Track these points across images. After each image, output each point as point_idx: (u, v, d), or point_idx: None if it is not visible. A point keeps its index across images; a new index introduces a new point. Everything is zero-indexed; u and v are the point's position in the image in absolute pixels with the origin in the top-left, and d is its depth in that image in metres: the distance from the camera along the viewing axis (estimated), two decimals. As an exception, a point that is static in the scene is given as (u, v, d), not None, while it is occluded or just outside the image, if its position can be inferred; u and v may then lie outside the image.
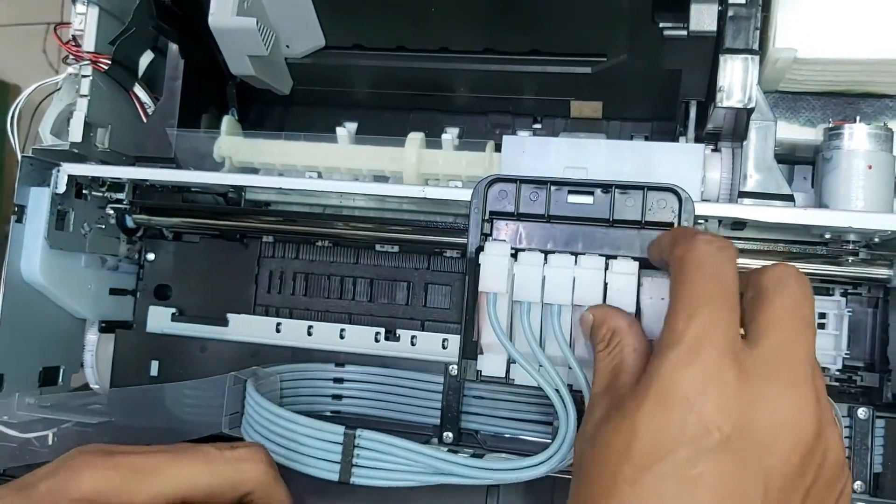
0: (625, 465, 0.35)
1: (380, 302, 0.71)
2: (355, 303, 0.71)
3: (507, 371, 0.57)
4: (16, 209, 0.61)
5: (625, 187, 0.55)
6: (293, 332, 0.70)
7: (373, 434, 0.53)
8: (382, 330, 0.69)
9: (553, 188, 0.56)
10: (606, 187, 0.55)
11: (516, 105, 0.69)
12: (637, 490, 0.34)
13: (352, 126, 0.70)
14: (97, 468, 0.40)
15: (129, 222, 0.71)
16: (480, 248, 0.56)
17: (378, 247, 0.71)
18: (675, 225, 0.54)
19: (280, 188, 0.61)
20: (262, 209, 0.71)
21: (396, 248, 0.70)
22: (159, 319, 0.73)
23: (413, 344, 0.69)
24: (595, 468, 0.38)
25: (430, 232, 0.66)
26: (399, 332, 0.69)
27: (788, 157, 0.66)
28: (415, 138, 0.65)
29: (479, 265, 0.55)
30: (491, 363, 0.57)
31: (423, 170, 0.65)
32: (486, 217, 0.57)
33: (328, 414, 0.66)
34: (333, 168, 0.67)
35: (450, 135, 0.67)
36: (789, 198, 0.57)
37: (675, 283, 0.40)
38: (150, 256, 0.74)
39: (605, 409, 0.41)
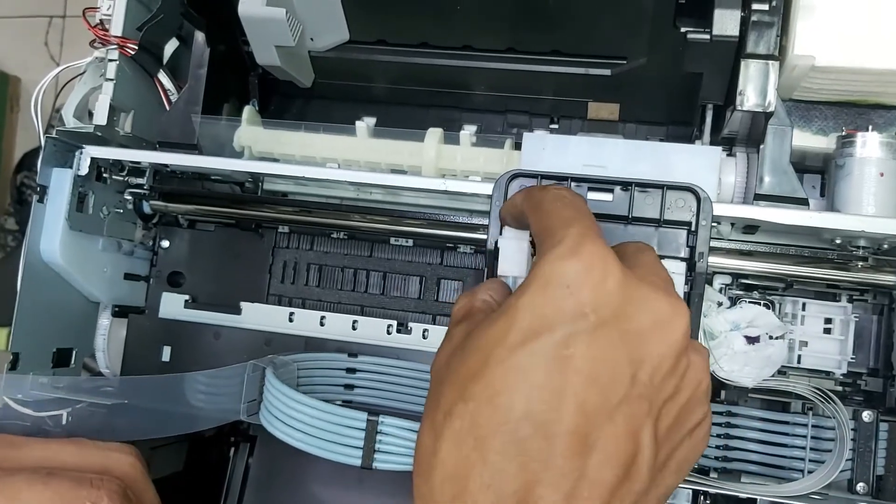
0: (497, 348, 0.34)
1: (392, 295, 0.72)
2: (368, 295, 0.72)
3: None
4: (38, 189, 0.61)
5: (644, 185, 0.56)
6: (306, 322, 0.70)
7: (395, 420, 0.54)
8: (395, 322, 0.70)
9: (573, 184, 0.57)
10: (626, 185, 0.56)
11: (534, 105, 0.71)
12: (505, 368, 0.34)
13: (370, 121, 0.70)
14: None
15: (147, 208, 0.71)
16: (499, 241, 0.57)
17: (392, 240, 0.71)
18: (694, 225, 0.55)
19: (299, 178, 0.62)
20: (279, 198, 0.71)
21: (410, 243, 0.71)
22: (172, 305, 0.73)
23: (425, 337, 0.69)
24: (465, 359, 0.36)
25: (444, 226, 0.67)
26: (411, 325, 0.70)
27: (798, 166, 0.67)
28: (434, 133, 0.66)
29: (498, 247, 0.56)
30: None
31: (441, 165, 0.66)
32: (507, 212, 0.58)
33: (339, 403, 0.66)
34: (352, 161, 0.68)
35: (467, 132, 0.68)
36: (803, 201, 0.58)
37: (542, 216, 0.41)
38: (165, 244, 0.74)
39: (465, 329, 0.40)
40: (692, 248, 0.55)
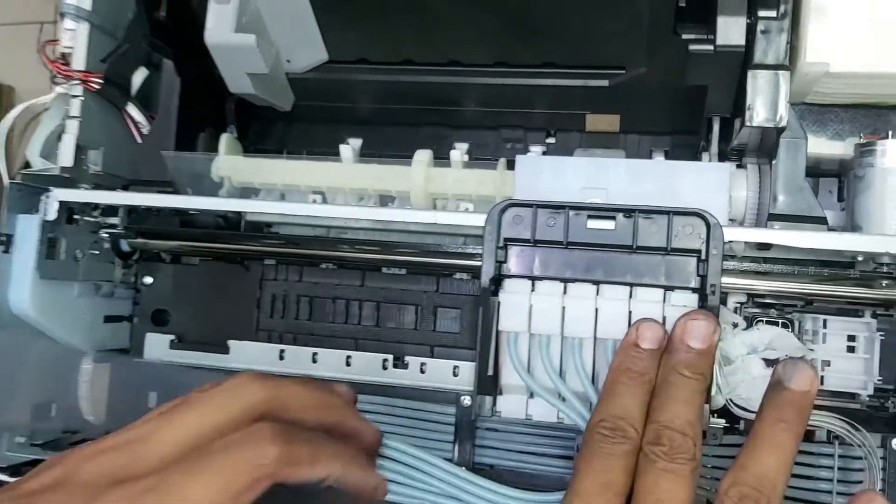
0: None
1: (387, 326, 0.68)
2: (362, 327, 0.68)
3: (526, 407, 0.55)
4: (2, 238, 0.58)
5: (649, 212, 0.52)
6: (297, 360, 0.67)
7: (400, 445, 0.49)
8: (391, 357, 0.66)
9: (572, 213, 0.53)
10: (629, 212, 0.52)
11: (529, 119, 0.66)
12: None
13: (356, 142, 0.66)
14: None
15: (125, 246, 0.67)
16: (495, 279, 0.53)
17: (385, 268, 0.67)
18: (704, 253, 0.51)
19: (274, 213, 0.58)
20: (262, 234, 0.68)
21: (404, 270, 0.67)
22: (157, 347, 0.69)
23: (422, 371, 0.65)
24: None
25: (438, 255, 0.63)
26: (408, 358, 0.66)
27: (813, 170, 0.63)
28: (421, 158, 0.62)
29: (499, 302, 0.53)
30: (511, 404, 0.55)
31: (431, 189, 0.62)
32: (501, 244, 0.54)
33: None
34: (337, 188, 0.64)
35: (458, 151, 0.64)
36: (821, 220, 0.54)
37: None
38: (148, 280, 0.71)
39: None
40: (703, 278, 0.51)
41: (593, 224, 0.53)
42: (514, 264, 0.54)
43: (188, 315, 0.70)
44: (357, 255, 0.65)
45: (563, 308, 0.52)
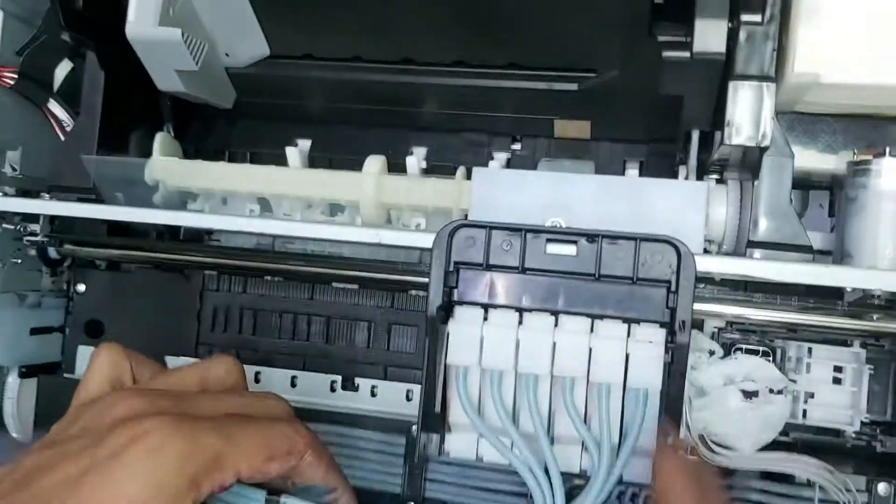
0: None
1: (337, 344, 0.63)
2: (310, 344, 0.63)
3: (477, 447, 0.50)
4: None
5: (614, 237, 0.46)
6: (239, 379, 0.62)
7: (297, 501, 0.44)
8: (339, 378, 0.61)
9: (529, 236, 0.48)
10: (592, 237, 0.47)
11: (493, 123, 0.60)
12: None
13: (305, 144, 0.61)
14: None
15: (53, 253, 0.62)
16: (443, 308, 0.48)
17: (335, 282, 0.62)
18: (674, 284, 0.46)
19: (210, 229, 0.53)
20: (201, 244, 0.62)
21: (356, 284, 0.62)
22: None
23: (374, 395, 0.61)
24: None
25: (392, 271, 0.58)
26: (358, 380, 0.61)
27: (803, 183, 0.57)
28: (373, 165, 0.57)
29: (448, 332, 0.47)
30: (461, 443, 0.50)
31: (383, 199, 0.57)
32: (451, 268, 0.48)
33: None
34: (282, 195, 0.58)
35: (415, 158, 0.59)
36: (806, 249, 0.48)
37: None
38: (81, 288, 0.65)
39: None
40: (672, 311, 0.46)
41: (553, 249, 0.48)
42: (464, 290, 0.49)
43: (124, 326, 0.65)
44: (305, 268, 0.60)
45: (518, 341, 0.47)
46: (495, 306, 0.48)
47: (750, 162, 0.49)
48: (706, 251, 0.53)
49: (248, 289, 0.64)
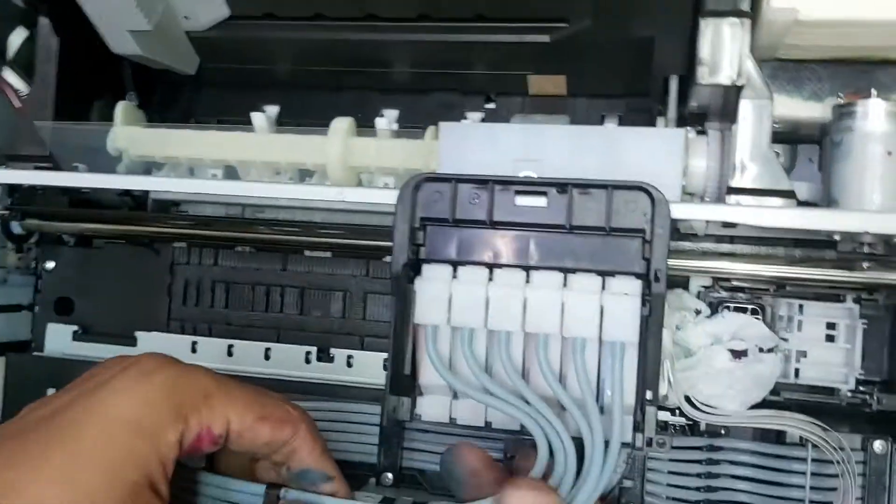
0: None
1: (312, 314, 0.61)
2: (284, 316, 0.61)
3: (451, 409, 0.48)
4: None
5: (585, 186, 0.44)
6: (211, 353, 0.60)
7: (300, 494, 0.42)
8: (314, 349, 0.59)
9: (497, 188, 0.45)
10: (562, 186, 0.45)
11: (465, 82, 0.58)
12: None
13: (272, 110, 0.59)
14: None
15: (17, 228, 0.60)
16: (409, 265, 0.46)
17: (308, 251, 0.60)
18: (648, 233, 0.43)
19: (179, 192, 0.51)
20: (170, 214, 0.60)
21: (329, 253, 0.60)
22: (59, 339, 0.63)
23: (350, 365, 0.59)
24: None
25: (365, 236, 0.56)
26: (333, 351, 0.59)
27: (791, 136, 0.55)
28: (340, 126, 0.55)
29: (415, 291, 0.45)
30: (433, 406, 0.48)
31: (351, 162, 0.55)
32: (418, 225, 0.46)
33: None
34: (248, 161, 0.56)
35: (386, 119, 0.56)
36: (789, 194, 0.46)
37: None
38: (50, 265, 0.64)
39: None
40: (648, 262, 0.44)
41: (522, 201, 0.46)
42: (432, 247, 0.47)
43: (94, 303, 0.64)
44: (276, 236, 0.58)
45: (488, 298, 0.45)
46: (464, 263, 0.46)
47: (728, 106, 0.46)
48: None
49: (219, 261, 0.62)
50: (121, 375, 0.33)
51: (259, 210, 0.60)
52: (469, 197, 0.46)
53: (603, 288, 0.44)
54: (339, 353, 0.59)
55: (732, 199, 0.47)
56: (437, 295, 0.45)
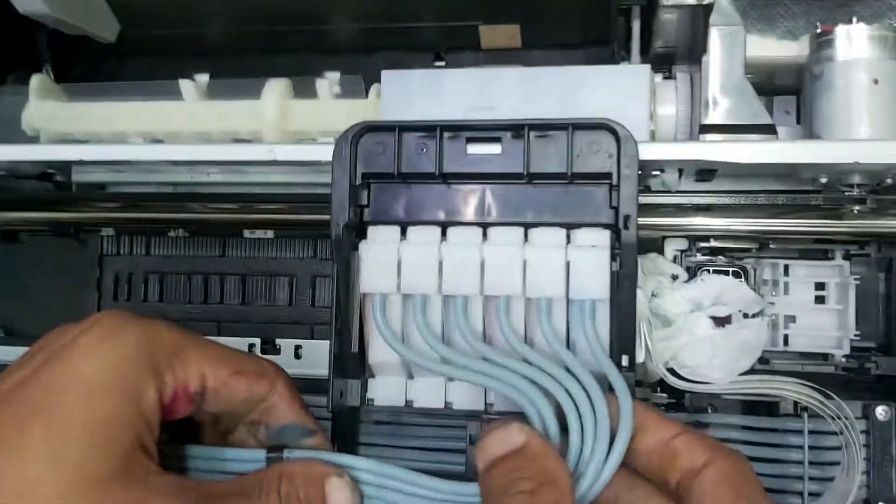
0: None
1: (256, 304, 0.56)
2: (225, 306, 0.56)
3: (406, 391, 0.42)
4: None
5: (542, 127, 0.39)
6: (146, 350, 0.54)
7: (306, 453, 0.36)
8: (258, 341, 0.54)
9: (446, 135, 0.40)
10: (517, 129, 0.40)
11: (411, 37, 0.53)
12: None
13: (203, 78, 0.54)
14: None
15: (-74, 221, 0.54)
16: (351, 227, 0.41)
17: (247, 233, 0.55)
18: (614, 176, 0.39)
19: (78, 160, 0.45)
20: (94, 193, 0.55)
21: (271, 234, 0.55)
22: (-24, 343, 0.57)
23: (298, 356, 0.54)
24: None
25: (309, 210, 0.51)
26: (279, 341, 0.54)
27: (765, 86, 0.50)
28: (275, 87, 0.50)
29: (359, 256, 0.40)
30: (386, 388, 0.43)
31: (289, 127, 0.50)
32: (360, 182, 0.41)
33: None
34: (175, 133, 0.51)
35: (327, 81, 0.51)
36: (769, 129, 0.41)
37: None
38: (-35, 262, 0.58)
39: None
40: (616, 210, 0.39)
41: (475, 149, 0.41)
42: (377, 207, 0.42)
43: (18, 303, 0.58)
44: (209, 215, 0.53)
45: (441, 260, 0.40)
46: (414, 223, 0.41)
47: (695, 37, 0.42)
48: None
49: (151, 250, 0.57)
50: (84, 336, 0.30)
51: (193, 188, 0.54)
52: (415, 147, 0.41)
53: (568, 241, 0.40)
54: (287, 344, 0.54)
55: (706, 138, 0.42)
56: (385, 259, 0.40)
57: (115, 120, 0.52)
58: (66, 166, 0.53)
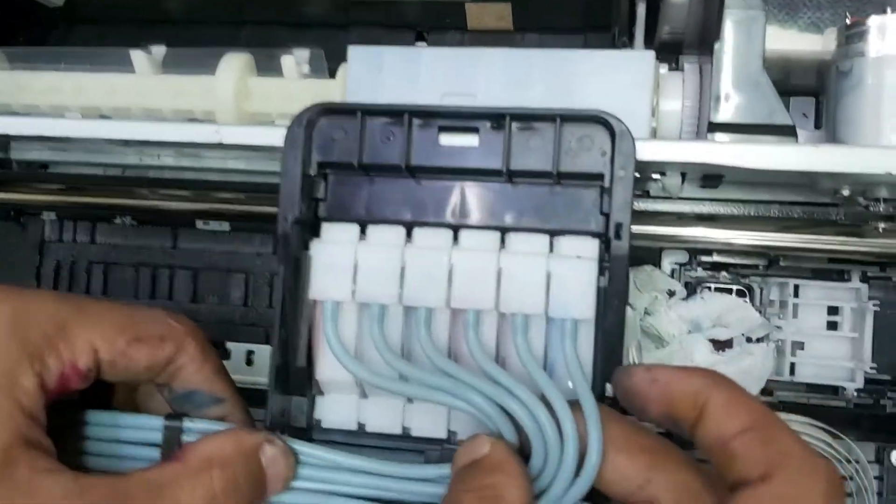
0: None
1: (208, 302, 0.51)
2: (173, 303, 0.51)
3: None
4: None
5: (526, 118, 0.34)
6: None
7: (207, 424, 0.33)
8: (208, 343, 0.48)
9: (416, 122, 0.35)
10: (498, 118, 0.34)
11: (390, 13, 0.48)
12: None
13: (159, 50, 0.48)
14: None
15: None
16: (302, 223, 0.35)
17: (201, 224, 0.50)
18: (606, 177, 0.33)
19: (11, 135, 0.40)
20: (35, 173, 0.50)
21: (227, 226, 0.50)
22: None
23: (249, 363, 0.49)
24: None
25: (269, 201, 0.46)
26: (230, 345, 0.48)
27: (780, 85, 0.45)
28: (233, 62, 0.44)
29: (310, 257, 0.35)
30: (335, 408, 0.37)
31: (248, 107, 0.45)
32: (315, 172, 0.36)
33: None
34: (124, 109, 0.46)
35: (292, 58, 0.46)
36: (788, 130, 0.36)
37: None
38: None
39: None
40: (607, 217, 0.33)
41: (449, 140, 0.35)
42: (333, 202, 0.36)
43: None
44: (161, 202, 0.48)
45: (404, 265, 0.34)
46: (375, 221, 0.36)
47: (708, 22, 0.37)
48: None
49: (96, 237, 0.52)
50: None
51: (143, 172, 0.49)
52: (381, 135, 0.35)
53: (551, 250, 0.34)
54: (238, 348, 0.49)
55: (714, 137, 0.37)
56: (339, 261, 0.35)
57: (57, 92, 0.46)
58: (3, 142, 0.48)
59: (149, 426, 0.33)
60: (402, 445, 0.39)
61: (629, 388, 0.29)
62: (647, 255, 0.46)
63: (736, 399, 0.26)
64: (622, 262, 0.33)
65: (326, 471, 0.33)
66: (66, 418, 0.32)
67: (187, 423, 0.32)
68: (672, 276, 0.46)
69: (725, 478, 0.26)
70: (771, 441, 0.25)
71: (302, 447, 0.33)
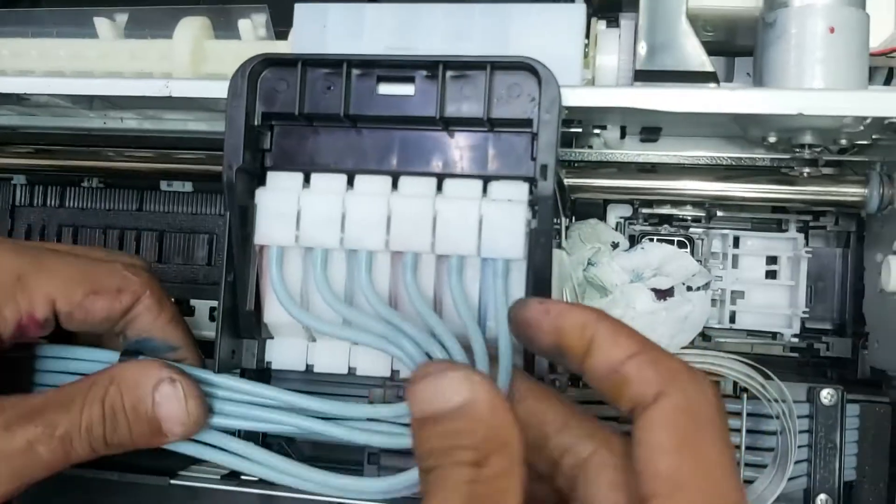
0: None
1: (174, 262, 0.52)
2: (140, 264, 0.52)
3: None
4: None
5: (458, 66, 0.36)
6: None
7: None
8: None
9: (354, 72, 0.37)
10: (432, 66, 0.36)
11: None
12: None
13: (122, 17, 0.50)
14: None
15: None
16: (247, 171, 0.37)
17: (165, 185, 0.51)
18: (535, 123, 0.35)
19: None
20: (4, 133, 0.51)
21: (190, 187, 0.51)
22: None
23: (213, 318, 0.50)
24: None
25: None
26: (194, 302, 0.50)
27: (725, 46, 0.47)
28: (189, 25, 0.46)
29: (255, 205, 0.36)
30: (284, 351, 0.39)
31: (205, 69, 0.46)
32: (259, 122, 0.37)
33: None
34: (88, 73, 0.48)
35: (249, 22, 0.48)
36: (709, 76, 0.38)
37: None
38: None
39: None
40: (536, 161, 0.35)
41: (387, 89, 0.37)
42: (278, 151, 0.38)
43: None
44: (126, 163, 0.49)
45: (345, 211, 0.36)
46: (318, 170, 0.37)
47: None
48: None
49: (66, 202, 0.53)
50: None
51: (108, 135, 0.51)
52: (321, 86, 0.37)
53: (484, 195, 0.36)
54: (201, 305, 0.50)
55: (639, 86, 0.38)
56: (283, 208, 0.37)
57: (15, 57, 0.48)
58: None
59: (106, 359, 0.35)
60: (349, 382, 0.41)
61: (524, 320, 0.29)
62: (592, 209, 0.48)
63: (620, 329, 0.27)
64: (548, 202, 0.34)
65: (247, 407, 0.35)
66: (25, 351, 0.34)
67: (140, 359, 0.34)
68: (616, 229, 0.47)
69: (620, 406, 0.27)
70: (659, 361, 0.26)
71: (235, 382, 0.34)
